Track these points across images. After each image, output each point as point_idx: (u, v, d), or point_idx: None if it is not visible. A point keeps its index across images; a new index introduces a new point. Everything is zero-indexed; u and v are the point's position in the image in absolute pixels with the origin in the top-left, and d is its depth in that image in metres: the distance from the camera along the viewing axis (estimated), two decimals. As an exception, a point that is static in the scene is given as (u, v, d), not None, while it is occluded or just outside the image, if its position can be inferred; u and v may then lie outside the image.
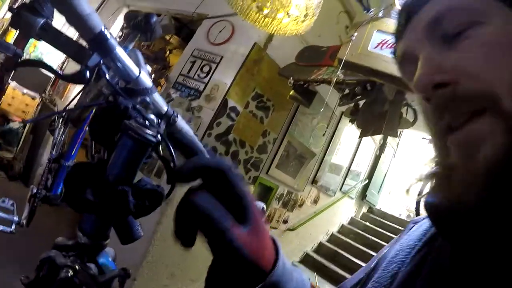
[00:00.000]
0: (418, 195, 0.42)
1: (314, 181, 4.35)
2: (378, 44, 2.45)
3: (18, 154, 4.52)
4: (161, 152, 0.55)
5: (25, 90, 5.37)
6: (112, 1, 4.72)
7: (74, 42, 0.55)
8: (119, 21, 4.55)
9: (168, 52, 5.00)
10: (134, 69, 0.57)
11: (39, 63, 0.57)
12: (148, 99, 0.59)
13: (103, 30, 0.50)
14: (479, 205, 0.30)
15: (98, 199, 0.48)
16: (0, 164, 4.39)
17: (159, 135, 0.52)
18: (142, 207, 0.49)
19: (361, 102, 3.21)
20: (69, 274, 0.47)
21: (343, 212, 5.63)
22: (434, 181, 0.37)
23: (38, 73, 5.82)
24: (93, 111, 0.64)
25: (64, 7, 0.44)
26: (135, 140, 0.49)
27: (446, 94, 0.33)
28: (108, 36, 0.51)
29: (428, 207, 0.36)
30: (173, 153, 0.53)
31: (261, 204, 0.62)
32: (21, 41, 1.53)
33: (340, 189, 5.11)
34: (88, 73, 0.52)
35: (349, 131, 4.61)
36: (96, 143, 0.59)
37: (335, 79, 2.57)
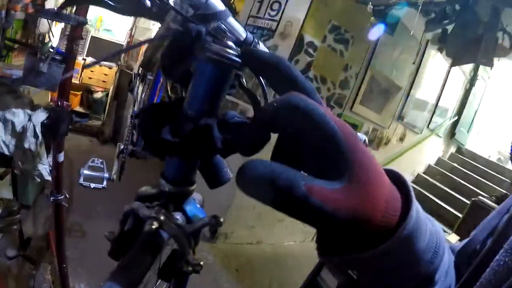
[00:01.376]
0: None
1: (400, 117, 4.09)
2: None
3: (106, 121, 4.93)
4: (245, 84, 0.46)
5: (102, 62, 5.69)
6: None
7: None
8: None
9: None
10: None
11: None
12: (222, 25, 0.49)
13: None
14: None
15: (178, 138, 0.41)
16: (92, 131, 4.79)
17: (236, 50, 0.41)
18: (231, 143, 0.41)
19: (450, 28, 2.84)
20: (154, 226, 0.42)
21: (430, 151, 5.29)
22: None
23: (111, 44, 6.08)
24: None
25: None
26: (216, 63, 0.40)
27: None
28: None
29: None
30: (262, 82, 0.44)
31: (363, 137, 0.51)
32: (81, 10, 1.47)
33: (428, 126, 4.76)
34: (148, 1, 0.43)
35: (436, 61, 4.18)
36: (171, 81, 0.51)
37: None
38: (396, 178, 0.31)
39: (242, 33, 0.53)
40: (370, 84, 3.38)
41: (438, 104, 4.79)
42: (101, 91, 5.49)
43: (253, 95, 0.43)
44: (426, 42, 3.77)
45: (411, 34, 2.43)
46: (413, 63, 3.69)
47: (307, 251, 3.38)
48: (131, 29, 5.35)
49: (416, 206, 0.29)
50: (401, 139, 4.35)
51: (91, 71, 5.70)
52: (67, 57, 1.54)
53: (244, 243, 3.10)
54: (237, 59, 0.39)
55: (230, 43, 0.44)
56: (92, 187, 1.31)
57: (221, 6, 0.50)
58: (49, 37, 1.59)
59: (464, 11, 2.56)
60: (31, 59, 1.48)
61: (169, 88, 0.52)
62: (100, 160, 1.43)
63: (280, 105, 0.26)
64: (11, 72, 2.10)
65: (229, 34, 0.50)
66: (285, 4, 2.69)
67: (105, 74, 5.80)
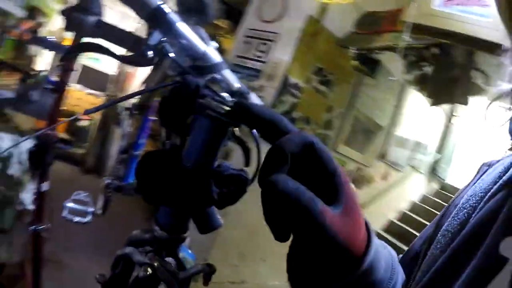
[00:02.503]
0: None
1: (382, 156, 4.19)
2: (444, 1, 2.25)
3: (89, 149, 4.91)
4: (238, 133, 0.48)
5: (89, 90, 5.73)
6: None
7: (130, 34, 0.52)
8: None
9: (219, 38, 5.01)
10: (200, 44, 0.51)
11: (96, 47, 0.52)
12: (218, 76, 0.54)
13: (160, 4, 0.46)
14: None
15: (175, 190, 0.42)
16: (74, 159, 4.73)
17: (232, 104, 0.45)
18: (226, 196, 0.43)
19: (428, 70, 2.98)
20: (148, 272, 0.44)
21: (413, 188, 5.37)
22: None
23: (99, 73, 6.14)
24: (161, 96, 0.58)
25: None
26: (213, 120, 0.43)
27: None
28: (167, 10, 0.47)
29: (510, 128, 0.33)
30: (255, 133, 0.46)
31: None
32: (77, 41, 1.53)
33: (409, 164, 4.87)
34: (150, 53, 0.47)
35: (416, 101, 4.34)
36: (168, 130, 0.52)
37: (401, 44, 2.37)
38: None
39: (236, 83, 0.57)
40: (353, 124, 3.48)
41: (420, 142, 4.93)
42: (87, 119, 5.48)
43: (245, 147, 0.46)
44: (407, 83, 3.92)
45: (390, 78, 2.57)
46: (391, 104, 3.83)
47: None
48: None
49: (374, 239, 0.33)
50: (384, 177, 4.42)
51: (78, 98, 5.71)
52: (59, 87, 1.57)
53: (228, 282, 3.04)
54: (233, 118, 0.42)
55: (227, 96, 0.48)
56: (75, 221, 1.30)
57: (217, 58, 0.55)
58: (47, 69, 1.64)
59: (441, 54, 2.71)
60: (24, 86, 1.51)
61: (164, 135, 0.51)
62: (85, 193, 1.42)
63: (299, 140, 0.30)
64: None
65: (223, 85, 0.55)
66: (272, 47, 2.80)
67: (92, 104, 5.81)
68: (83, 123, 5.38)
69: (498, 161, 0.42)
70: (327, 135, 3.21)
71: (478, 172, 0.45)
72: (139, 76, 4.59)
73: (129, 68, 5.10)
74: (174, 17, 0.48)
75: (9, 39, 3.29)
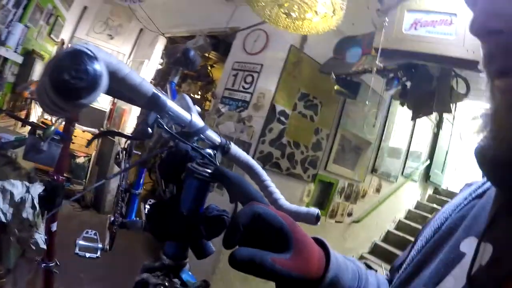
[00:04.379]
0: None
1: (373, 170, 4.29)
2: (412, 25, 2.40)
3: (87, 186, 4.99)
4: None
5: (85, 128, 5.84)
6: (148, 33, 5.00)
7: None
8: (158, 49, 4.80)
9: (209, 67, 5.19)
10: (186, 115, 0.66)
11: (110, 133, 0.67)
12: (203, 136, 0.69)
13: (154, 91, 0.58)
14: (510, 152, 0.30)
15: (176, 229, 0.59)
16: (73, 196, 4.80)
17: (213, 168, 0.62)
18: (212, 232, 0.60)
19: (408, 84, 3.12)
20: None
21: (408, 197, 5.46)
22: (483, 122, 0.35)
23: (94, 111, 6.27)
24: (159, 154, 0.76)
25: (120, 83, 0.53)
26: (199, 180, 0.59)
27: (497, 42, 0.31)
28: (160, 95, 0.59)
29: (475, 149, 0.35)
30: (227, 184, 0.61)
31: (315, 210, 0.68)
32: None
33: (402, 174, 4.98)
34: (149, 130, 0.61)
35: (402, 112, 4.45)
36: (166, 181, 0.70)
37: (375, 68, 2.53)
38: (320, 241, 0.50)
39: (218, 138, 0.72)
40: (341, 143, 3.60)
41: (410, 151, 5.04)
42: (83, 156, 5.58)
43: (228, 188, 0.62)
44: (390, 97, 4.00)
45: (370, 91, 2.66)
46: (373, 124, 3.91)
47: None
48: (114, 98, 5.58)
49: (333, 256, 0.47)
50: (378, 190, 4.52)
51: (74, 136, 5.80)
52: (65, 138, 1.72)
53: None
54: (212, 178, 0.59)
55: (209, 151, 0.64)
56: (87, 256, 1.42)
57: (201, 123, 0.70)
58: (51, 121, 1.77)
59: (416, 71, 2.81)
60: (33, 138, 1.66)
61: (163, 185, 0.69)
62: (94, 231, 1.55)
63: (249, 212, 0.45)
64: (0, 135, 2.20)
65: (207, 142, 0.70)
66: (258, 77, 2.96)
67: (88, 140, 5.90)
68: (80, 159, 5.46)
69: (476, 182, 0.50)
70: (316, 156, 3.31)
71: (460, 191, 0.53)
72: (133, 111, 4.74)
73: (124, 105, 5.25)
74: (165, 98, 0.61)
75: (8, 83, 3.44)
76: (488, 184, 0.44)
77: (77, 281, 2.78)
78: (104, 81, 0.44)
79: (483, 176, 0.42)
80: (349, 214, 4.09)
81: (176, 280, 0.64)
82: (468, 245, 0.38)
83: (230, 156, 0.72)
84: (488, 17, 0.31)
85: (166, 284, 0.61)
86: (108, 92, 0.69)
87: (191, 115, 0.68)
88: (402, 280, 0.45)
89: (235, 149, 0.74)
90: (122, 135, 0.64)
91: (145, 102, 0.59)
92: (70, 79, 0.40)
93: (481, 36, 0.32)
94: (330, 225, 3.82)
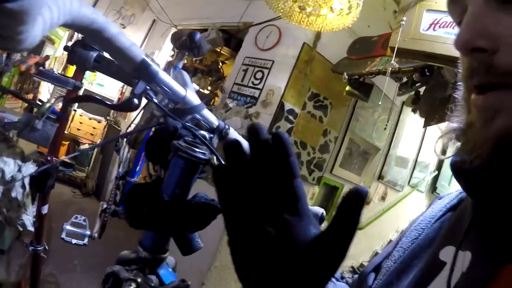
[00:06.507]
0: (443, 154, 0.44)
1: (380, 177, 4.19)
2: (430, 25, 2.32)
3: (90, 173, 5.01)
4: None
5: (91, 115, 5.84)
6: (160, 24, 4.97)
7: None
8: (169, 41, 4.76)
9: (221, 64, 5.14)
10: (180, 90, 0.58)
11: (89, 98, 0.60)
12: (198, 116, 0.61)
13: (144, 58, 0.52)
14: (485, 166, 0.32)
15: (154, 217, 0.51)
16: (75, 183, 4.81)
17: (208, 152, 0.54)
18: (196, 222, 0.51)
19: (422, 89, 3.04)
20: (132, 287, 0.51)
21: (413, 207, 5.32)
22: (455, 134, 0.39)
23: (102, 98, 6.23)
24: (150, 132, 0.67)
25: (105, 44, 0.46)
26: (185, 160, 0.52)
27: (480, 59, 0.32)
28: (150, 62, 0.53)
29: (452, 162, 0.38)
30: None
31: (320, 210, 0.60)
32: (79, 75, 1.63)
33: (409, 183, 4.87)
34: (136, 100, 0.54)
35: (412, 120, 4.39)
36: (151, 161, 0.62)
37: (390, 69, 2.44)
38: None
39: (215, 121, 0.64)
40: (349, 147, 3.51)
41: (418, 160, 4.93)
42: (88, 143, 5.57)
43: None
44: (402, 103, 3.99)
45: (382, 96, 2.59)
46: (384, 128, 3.85)
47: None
48: (123, 86, 5.57)
49: None
50: (383, 198, 4.42)
51: (80, 122, 5.81)
52: (61, 117, 1.65)
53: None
54: (203, 157, 0.50)
55: (203, 133, 0.55)
56: (73, 242, 1.35)
57: (197, 101, 0.62)
58: (48, 99, 1.72)
59: (431, 76, 2.76)
60: (28, 115, 1.59)
61: (151, 167, 0.62)
62: (83, 218, 1.48)
63: None
64: (4, 115, 2.16)
65: (203, 123, 0.62)
66: (268, 74, 2.88)
67: (94, 128, 5.91)
68: (84, 147, 5.46)
69: (448, 194, 0.51)
70: (323, 158, 3.23)
71: (431, 204, 0.54)
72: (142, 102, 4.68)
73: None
74: (157, 68, 0.54)
75: (16, 66, 3.40)
76: (462, 195, 0.47)
77: (71, 268, 2.73)
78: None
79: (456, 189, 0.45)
80: (352, 220, 3.98)
81: (152, 276, 0.55)
82: (447, 254, 0.38)
83: (228, 141, 0.63)
84: (473, 35, 0.32)
85: (138, 280, 0.52)
86: (95, 66, 0.62)
87: (186, 90, 0.60)
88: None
89: (234, 134, 0.67)
90: (101, 102, 0.55)
91: (133, 68, 0.52)
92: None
93: (465, 52, 0.34)
94: (332, 230, 3.72)
